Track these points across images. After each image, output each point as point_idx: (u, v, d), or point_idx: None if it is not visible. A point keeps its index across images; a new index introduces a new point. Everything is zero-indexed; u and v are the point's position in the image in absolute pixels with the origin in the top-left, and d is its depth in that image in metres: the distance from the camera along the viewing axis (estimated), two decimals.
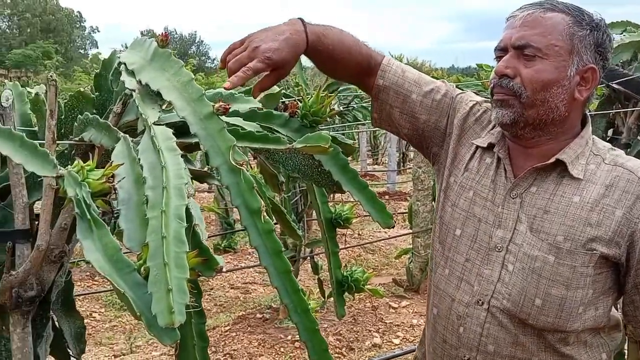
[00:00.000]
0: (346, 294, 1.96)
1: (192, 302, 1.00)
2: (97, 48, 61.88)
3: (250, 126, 1.48)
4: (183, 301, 0.92)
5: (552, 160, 1.44)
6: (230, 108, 1.29)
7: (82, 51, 60.44)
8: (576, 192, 1.42)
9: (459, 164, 1.61)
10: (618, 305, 1.57)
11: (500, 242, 1.47)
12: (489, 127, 1.61)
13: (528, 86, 1.40)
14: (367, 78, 1.66)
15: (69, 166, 1.11)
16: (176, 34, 60.82)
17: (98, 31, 67.94)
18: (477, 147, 1.59)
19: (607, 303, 1.46)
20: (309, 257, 5.15)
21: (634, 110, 3.11)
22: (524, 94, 1.41)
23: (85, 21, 65.48)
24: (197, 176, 1.75)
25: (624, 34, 3.16)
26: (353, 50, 1.60)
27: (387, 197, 11.30)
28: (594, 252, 1.38)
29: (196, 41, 61.48)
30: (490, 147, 1.56)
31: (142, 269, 0.99)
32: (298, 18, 1.50)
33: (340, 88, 5.64)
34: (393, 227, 1.65)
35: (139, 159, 1.12)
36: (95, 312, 5.60)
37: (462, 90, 1.73)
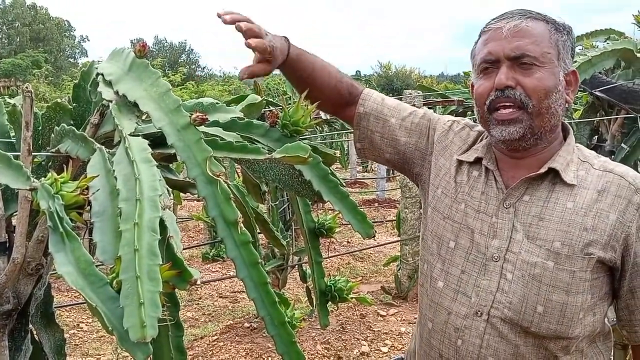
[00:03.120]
0: (331, 303, 1.96)
1: (167, 315, 0.99)
2: (87, 57, 61.73)
3: (230, 136, 1.47)
4: (155, 315, 0.91)
5: (545, 169, 1.45)
6: (207, 118, 1.28)
7: (71, 60, 60.30)
8: (569, 198, 1.43)
9: (445, 176, 1.62)
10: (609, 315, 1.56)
11: (496, 251, 1.46)
12: (470, 141, 1.63)
13: (533, 95, 1.41)
14: (348, 107, 1.74)
15: (43, 178, 1.10)
16: (166, 42, 60.78)
17: (88, 40, 67.95)
18: (463, 161, 1.60)
19: (604, 308, 1.47)
20: (297, 266, 5.13)
21: (617, 118, 3.13)
22: (530, 103, 1.41)
23: (74, 30, 65.40)
24: (180, 186, 1.74)
25: (608, 41, 3.18)
26: (333, 75, 1.68)
27: (376, 204, 11.30)
28: (591, 256, 1.38)
29: (186, 49, 61.41)
30: (477, 161, 1.57)
31: (114, 282, 0.97)
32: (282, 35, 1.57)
33: None
34: (374, 237, 1.64)
35: (114, 171, 1.11)
36: (83, 322, 5.56)
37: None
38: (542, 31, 1.44)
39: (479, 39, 1.53)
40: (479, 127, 1.64)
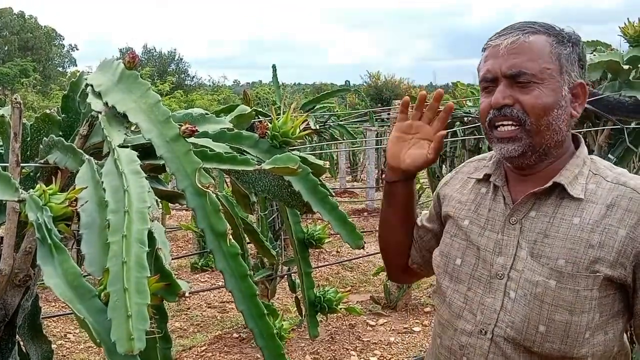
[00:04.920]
0: (320, 314, 1.96)
1: (155, 328, 0.99)
2: (76, 66, 61.52)
3: (219, 147, 1.47)
4: (143, 327, 0.90)
5: (550, 184, 1.42)
6: (197, 130, 1.28)
7: (60, 69, 60.05)
8: (576, 213, 1.39)
9: (451, 201, 1.63)
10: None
11: (501, 269, 1.44)
12: (481, 165, 1.64)
13: (530, 113, 1.39)
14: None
15: (32, 190, 1.09)
16: (155, 51, 60.63)
17: (77, 49, 67.49)
18: (471, 179, 1.61)
19: (618, 326, 1.41)
20: (286, 275, 5.13)
21: (604, 129, 3.15)
22: (528, 120, 1.39)
23: (63, 39, 65.16)
24: (169, 196, 1.74)
25: (594, 53, 3.20)
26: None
27: (366, 213, 11.30)
28: (598, 274, 1.34)
29: (175, 59, 61.24)
30: (485, 177, 1.57)
31: (102, 294, 0.97)
32: None
33: (316, 107, 5.65)
34: (363, 248, 1.64)
35: (102, 182, 1.11)
36: (70, 333, 5.52)
37: None
38: (541, 46, 1.41)
39: (482, 53, 1.51)
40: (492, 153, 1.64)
